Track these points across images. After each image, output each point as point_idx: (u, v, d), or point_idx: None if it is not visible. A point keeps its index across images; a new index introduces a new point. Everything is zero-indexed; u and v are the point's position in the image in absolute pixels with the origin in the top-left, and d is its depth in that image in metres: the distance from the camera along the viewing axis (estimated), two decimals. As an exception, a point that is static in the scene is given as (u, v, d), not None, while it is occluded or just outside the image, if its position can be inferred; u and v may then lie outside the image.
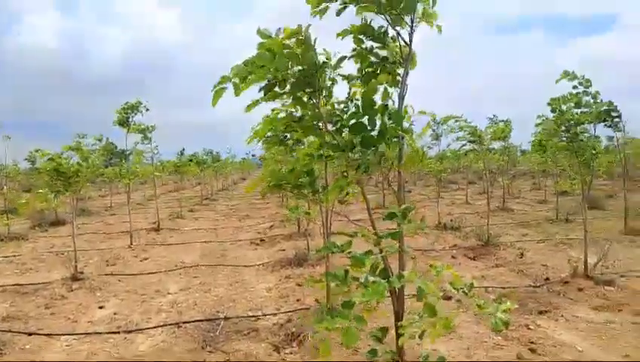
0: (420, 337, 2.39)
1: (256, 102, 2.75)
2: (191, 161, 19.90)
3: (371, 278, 2.54)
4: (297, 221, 9.59)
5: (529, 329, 4.25)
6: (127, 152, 10.16)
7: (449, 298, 4.95)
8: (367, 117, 2.42)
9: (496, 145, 13.13)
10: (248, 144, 3.11)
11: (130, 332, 4.58)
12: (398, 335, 2.42)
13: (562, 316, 4.57)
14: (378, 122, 2.37)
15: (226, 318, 4.85)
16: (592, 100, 5.92)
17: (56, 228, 11.74)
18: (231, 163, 27.17)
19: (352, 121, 2.54)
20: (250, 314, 4.99)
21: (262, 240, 9.31)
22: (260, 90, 2.63)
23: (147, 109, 9.08)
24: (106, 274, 6.81)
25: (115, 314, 5.13)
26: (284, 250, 8.08)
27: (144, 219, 13.31)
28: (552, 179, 15.53)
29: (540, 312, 4.66)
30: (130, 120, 9.04)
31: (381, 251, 2.51)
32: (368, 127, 2.36)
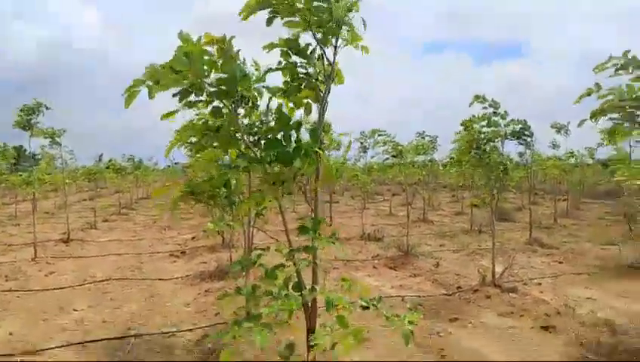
0: (332, 348, 2.39)
1: (172, 113, 2.63)
2: (108, 167, 18.68)
3: (284, 292, 2.52)
4: (222, 233, 9.33)
5: (440, 336, 4.45)
6: (38, 157, 9.34)
7: (367, 308, 5.04)
8: (282, 133, 2.41)
9: (419, 158, 13.81)
10: (166, 156, 2.98)
11: (27, 354, 4.15)
12: (309, 348, 2.40)
13: (471, 323, 4.84)
14: (294, 138, 2.37)
15: (137, 336, 4.57)
16: (500, 120, 6.40)
17: (-54, 240, 10.45)
18: (153, 171, 25.93)
19: (268, 136, 2.52)
20: (165, 330, 4.74)
21: (182, 252, 8.94)
22: (174, 95, 2.53)
23: (47, 108, 8.36)
24: (4, 291, 6.15)
25: (10, 334, 4.63)
26: (205, 262, 7.81)
27: (53, 229, 12.26)
28: (469, 193, 16.57)
29: (451, 320, 4.91)
30: (32, 122, 8.29)
31: (295, 265, 2.50)
32: (284, 143, 2.35)
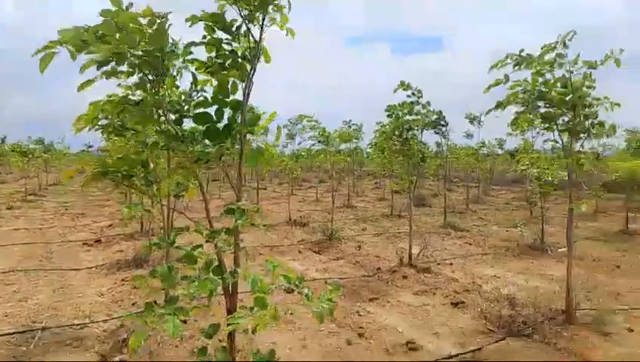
0: (254, 332, 2.40)
1: (90, 81, 2.45)
2: (13, 150, 16.94)
3: (204, 276, 2.47)
4: (140, 220, 8.91)
5: (360, 315, 4.64)
6: None
7: (292, 291, 5.11)
8: (216, 107, 2.34)
9: (344, 146, 14.12)
10: (77, 133, 2.77)
11: None
12: (230, 332, 2.39)
13: (389, 302, 5.10)
14: (227, 115, 2.32)
15: (44, 328, 4.25)
16: (422, 109, 6.70)
17: None
18: (65, 155, 23.96)
19: (199, 110, 2.43)
20: (77, 322, 4.46)
21: (98, 240, 8.41)
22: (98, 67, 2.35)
23: None
24: None
25: None
26: (122, 251, 7.42)
27: (-57, 217, 10.94)
28: (391, 179, 17.28)
29: (371, 299, 5.13)
30: None
31: (216, 247, 2.46)
32: (215, 118, 2.28)
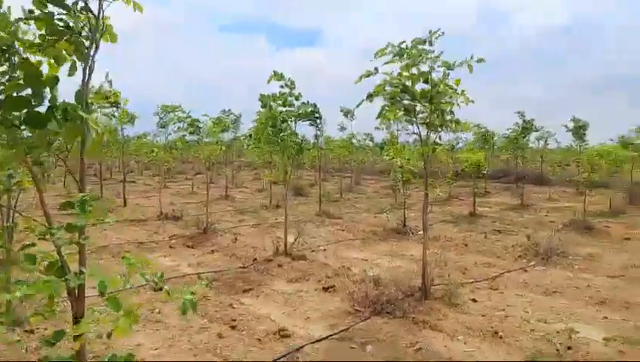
0: (109, 336, 2.20)
1: None
2: None
3: (44, 278, 2.18)
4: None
5: (233, 308, 4.57)
6: None
7: (160, 289, 4.82)
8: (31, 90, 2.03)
9: (223, 136, 13.74)
10: None
11: None
12: (77, 338, 2.15)
13: (263, 291, 5.11)
14: (48, 96, 2.03)
15: None
16: (295, 101, 6.77)
17: None
18: None
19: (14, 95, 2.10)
20: None
21: None
22: None
23: None
24: None
25: None
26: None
27: None
28: (270, 171, 17.35)
29: (245, 291, 5.08)
30: None
31: (55, 246, 2.18)
32: (33, 102, 1.98)
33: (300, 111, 6.83)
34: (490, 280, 5.60)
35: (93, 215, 2.04)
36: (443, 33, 4.44)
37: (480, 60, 4.50)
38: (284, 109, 6.79)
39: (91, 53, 2.15)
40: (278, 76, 6.43)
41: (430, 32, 4.47)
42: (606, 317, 4.37)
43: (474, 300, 4.86)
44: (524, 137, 13.22)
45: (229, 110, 14.92)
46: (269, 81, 6.43)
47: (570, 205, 12.22)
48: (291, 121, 6.95)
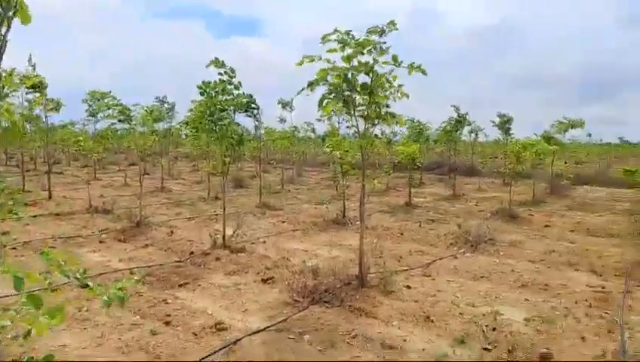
0: (25, 337, 2.04)
1: None
2: None
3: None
4: None
5: (167, 303, 4.42)
6: None
7: (87, 286, 4.55)
8: None
9: (158, 126, 13.20)
10: None
11: None
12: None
13: (200, 285, 4.98)
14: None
15: None
16: (234, 90, 6.60)
17: None
18: None
19: None
20: None
21: None
22: None
23: None
24: None
25: None
26: None
27: None
28: (208, 162, 16.93)
29: (180, 285, 4.93)
30: None
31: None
32: None
33: (236, 102, 6.68)
34: (423, 267, 5.84)
35: (2, 209, 1.87)
36: (395, 26, 4.42)
37: (423, 72, 4.59)
38: (223, 98, 6.62)
39: (2, 31, 1.96)
40: (217, 63, 6.24)
41: (391, 22, 4.42)
42: (527, 299, 4.71)
43: (408, 287, 5.04)
44: (456, 131, 13.85)
45: (165, 96, 14.34)
46: (207, 66, 6.21)
47: (498, 195, 13.02)
48: (231, 111, 6.80)
